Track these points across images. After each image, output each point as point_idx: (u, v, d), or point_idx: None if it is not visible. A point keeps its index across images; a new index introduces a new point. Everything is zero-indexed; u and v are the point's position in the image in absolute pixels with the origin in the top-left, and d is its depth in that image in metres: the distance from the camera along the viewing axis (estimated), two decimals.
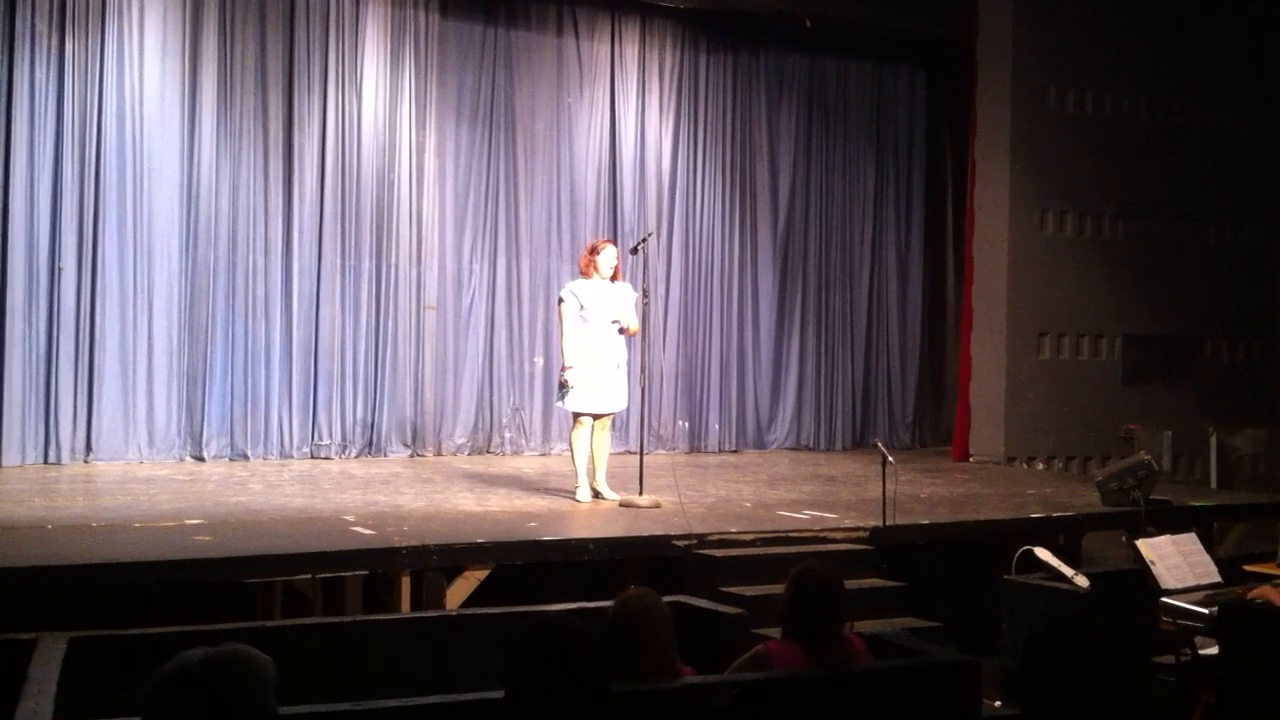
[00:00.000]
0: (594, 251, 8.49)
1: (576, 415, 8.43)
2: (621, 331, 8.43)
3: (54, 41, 9.93)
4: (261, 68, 10.75)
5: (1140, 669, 5.83)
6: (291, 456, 10.71)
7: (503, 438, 11.72)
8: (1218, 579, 6.47)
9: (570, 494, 8.56)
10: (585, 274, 8.48)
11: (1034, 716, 2.90)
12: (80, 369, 10.00)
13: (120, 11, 10.18)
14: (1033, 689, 2.90)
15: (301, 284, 10.87)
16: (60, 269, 9.94)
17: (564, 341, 8.42)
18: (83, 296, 10.03)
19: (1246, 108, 13.59)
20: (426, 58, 11.44)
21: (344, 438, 10.97)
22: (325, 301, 10.95)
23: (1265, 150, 13.65)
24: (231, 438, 10.57)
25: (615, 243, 8.98)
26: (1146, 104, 13.08)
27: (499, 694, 2.83)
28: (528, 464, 11.01)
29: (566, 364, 8.34)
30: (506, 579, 6.84)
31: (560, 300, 8.51)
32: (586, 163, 12.20)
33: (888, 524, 7.35)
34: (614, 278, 8.47)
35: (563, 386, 8.37)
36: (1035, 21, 12.48)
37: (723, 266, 12.84)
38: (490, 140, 11.76)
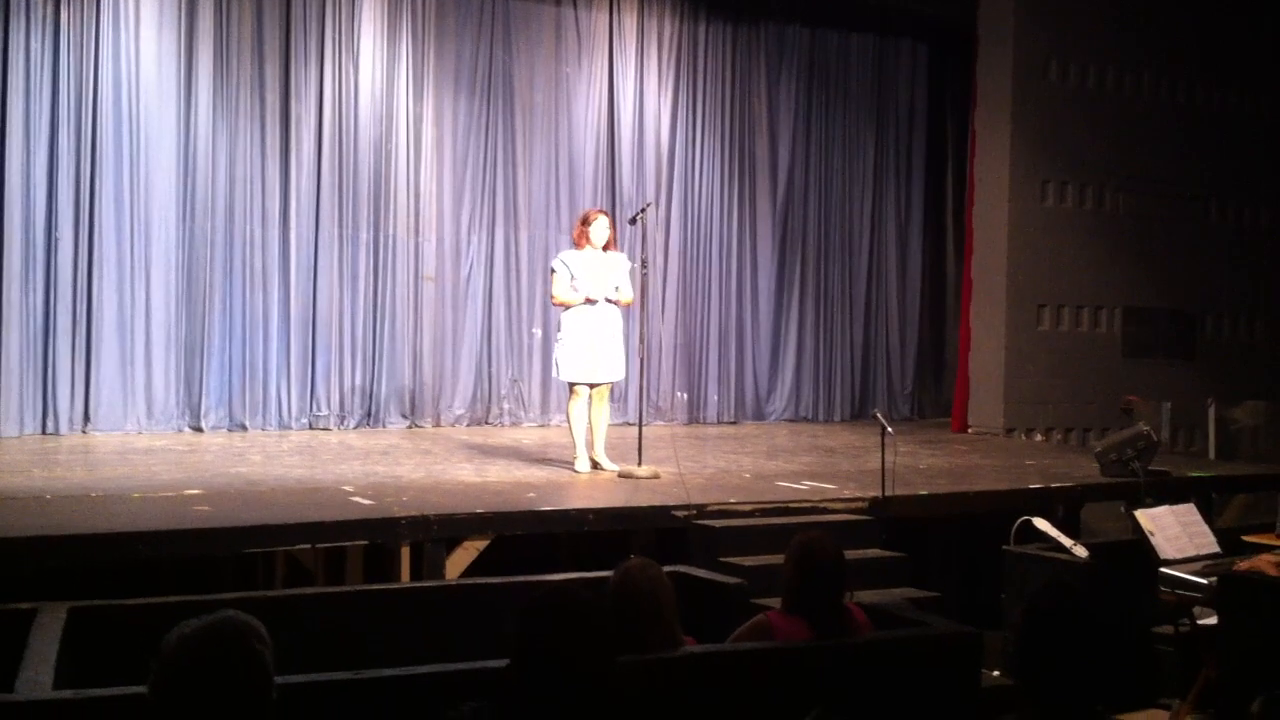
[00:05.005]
0: (586, 222, 8.45)
1: (572, 386, 8.42)
2: (614, 302, 8.41)
3: (49, 11, 9.87)
4: (258, 37, 10.68)
5: (1141, 640, 5.85)
6: (290, 427, 10.70)
7: (501, 409, 11.72)
8: (1216, 549, 6.48)
9: (569, 465, 8.56)
10: (578, 244, 8.45)
11: (1031, 688, 2.91)
12: (78, 340, 9.98)
13: None
14: (1030, 662, 2.90)
15: (299, 255, 10.84)
16: (57, 239, 9.90)
17: (555, 301, 8.41)
18: (80, 267, 10.00)
19: (1251, 84, 13.55)
20: (424, 27, 11.38)
21: (342, 409, 10.97)
22: (323, 272, 10.92)
23: (1269, 128, 13.60)
24: (230, 409, 10.57)
25: (608, 213, 8.93)
26: (1150, 78, 13.04)
27: (499, 663, 2.82)
28: (526, 435, 11.01)
29: (570, 301, 8.31)
30: (506, 549, 6.85)
31: (552, 270, 8.49)
32: (585, 133, 12.15)
33: (887, 495, 7.36)
34: (607, 248, 8.45)
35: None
36: None
37: (722, 238, 12.81)
38: (488, 110, 11.71)
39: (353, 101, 11.05)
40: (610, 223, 8.53)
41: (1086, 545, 6.52)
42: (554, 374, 8.69)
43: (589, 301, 8.28)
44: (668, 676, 3.84)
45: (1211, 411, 12.26)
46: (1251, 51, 13.47)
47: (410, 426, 11.19)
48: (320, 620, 4.74)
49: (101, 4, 10.06)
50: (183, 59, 10.39)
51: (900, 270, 13.80)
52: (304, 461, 8.82)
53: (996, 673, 5.81)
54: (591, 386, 8.40)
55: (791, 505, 7.48)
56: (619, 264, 8.48)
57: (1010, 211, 12.35)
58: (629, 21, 12.36)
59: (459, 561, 6.72)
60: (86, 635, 4.32)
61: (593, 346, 8.30)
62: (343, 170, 11.01)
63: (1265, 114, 13.65)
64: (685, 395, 12.58)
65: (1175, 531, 6.48)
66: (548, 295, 8.96)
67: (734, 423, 12.71)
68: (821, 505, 7.55)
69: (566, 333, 8.36)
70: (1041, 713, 2.85)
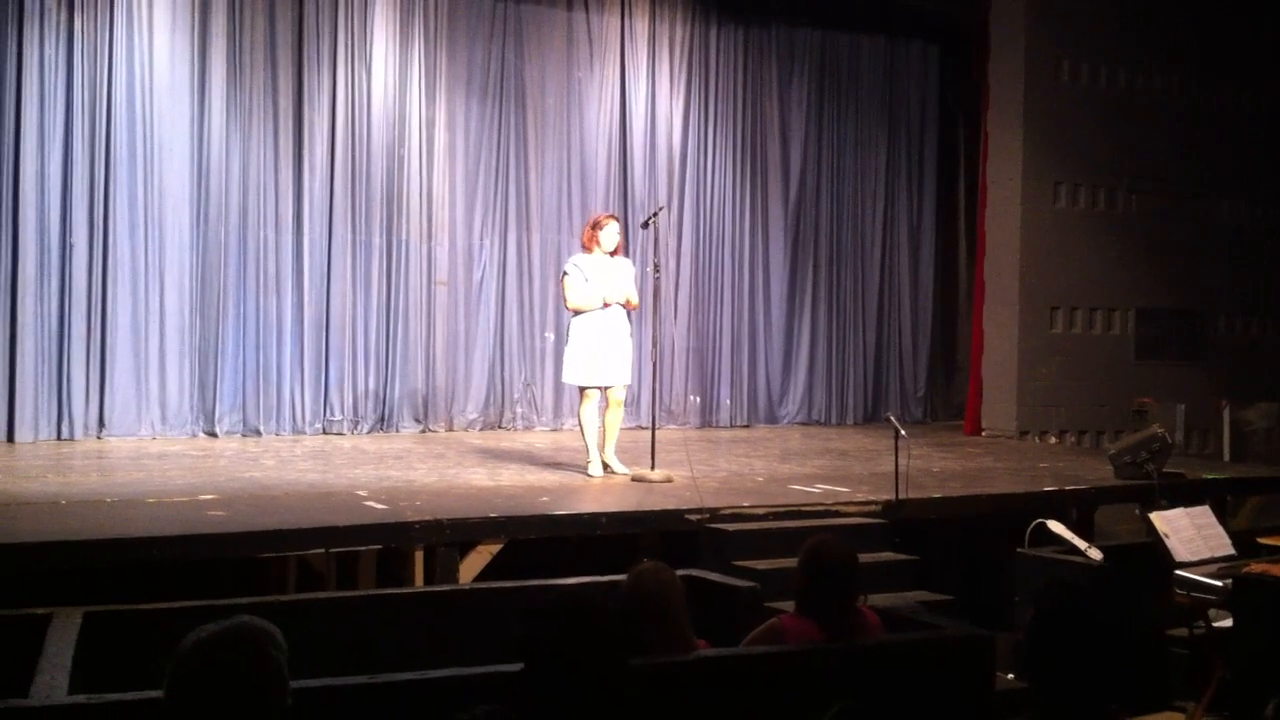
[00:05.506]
0: (596, 226, 8.49)
1: (583, 389, 8.44)
2: (623, 305, 8.43)
3: (63, 18, 9.90)
4: (271, 42, 10.71)
5: (1156, 642, 5.83)
6: (304, 432, 10.72)
7: (514, 413, 11.73)
8: (1231, 551, 6.45)
9: (582, 469, 8.57)
10: (587, 248, 8.48)
11: (1042, 689, 2.91)
12: (92, 345, 10.02)
13: None
14: (1039, 663, 2.91)
15: (312, 259, 10.87)
16: (71, 246, 9.94)
17: (571, 305, 8.42)
18: (94, 273, 10.03)
19: (1263, 83, 13.49)
20: (436, 32, 11.40)
21: (356, 413, 10.99)
22: (336, 277, 10.94)
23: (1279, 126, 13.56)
24: (244, 413, 10.59)
25: (619, 218, 8.96)
26: (1161, 78, 13.00)
27: (514, 667, 2.83)
28: (539, 439, 11.02)
29: (587, 306, 8.32)
30: (519, 553, 6.85)
31: (565, 274, 8.52)
32: (597, 137, 12.16)
33: (900, 498, 7.35)
34: (614, 253, 8.48)
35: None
36: None
37: (734, 241, 12.80)
38: (500, 115, 11.72)
39: (365, 106, 11.07)
40: (620, 229, 8.57)
41: (1101, 548, 6.50)
42: (563, 377, 8.71)
43: (605, 306, 8.32)
44: (680, 679, 3.84)
45: (1226, 413, 12.21)
46: (1263, 50, 13.41)
47: (423, 431, 11.21)
48: (334, 625, 4.75)
49: (115, 10, 10.10)
50: (196, 64, 10.43)
51: (912, 272, 13.79)
52: (317, 466, 8.84)
53: (1011, 675, 5.79)
54: (602, 390, 8.42)
55: (804, 509, 7.47)
56: (625, 269, 8.52)
57: (1022, 213, 12.32)
58: (640, 26, 12.37)
59: (472, 565, 6.73)
60: (101, 640, 4.33)
61: (600, 349, 8.32)
62: (355, 175, 11.03)
63: (1274, 111, 13.57)
64: (697, 398, 12.58)
65: (1190, 534, 6.46)
66: (560, 299, 8.97)
67: (746, 426, 12.70)
68: (834, 508, 7.54)
69: (575, 336, 8.39)
70: (1048, 713, 2.85)
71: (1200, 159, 13.12)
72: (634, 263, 8.85)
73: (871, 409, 13.41)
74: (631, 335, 8.57)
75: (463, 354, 11.55)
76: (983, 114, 12.85)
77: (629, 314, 8.55)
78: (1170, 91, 13.07)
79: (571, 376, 8.48)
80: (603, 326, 8.34)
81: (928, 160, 13.92)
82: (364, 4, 11.06)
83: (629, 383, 8.77)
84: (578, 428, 8.87)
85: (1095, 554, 6.34)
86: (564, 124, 12.02)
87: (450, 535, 6.59)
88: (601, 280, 8.34)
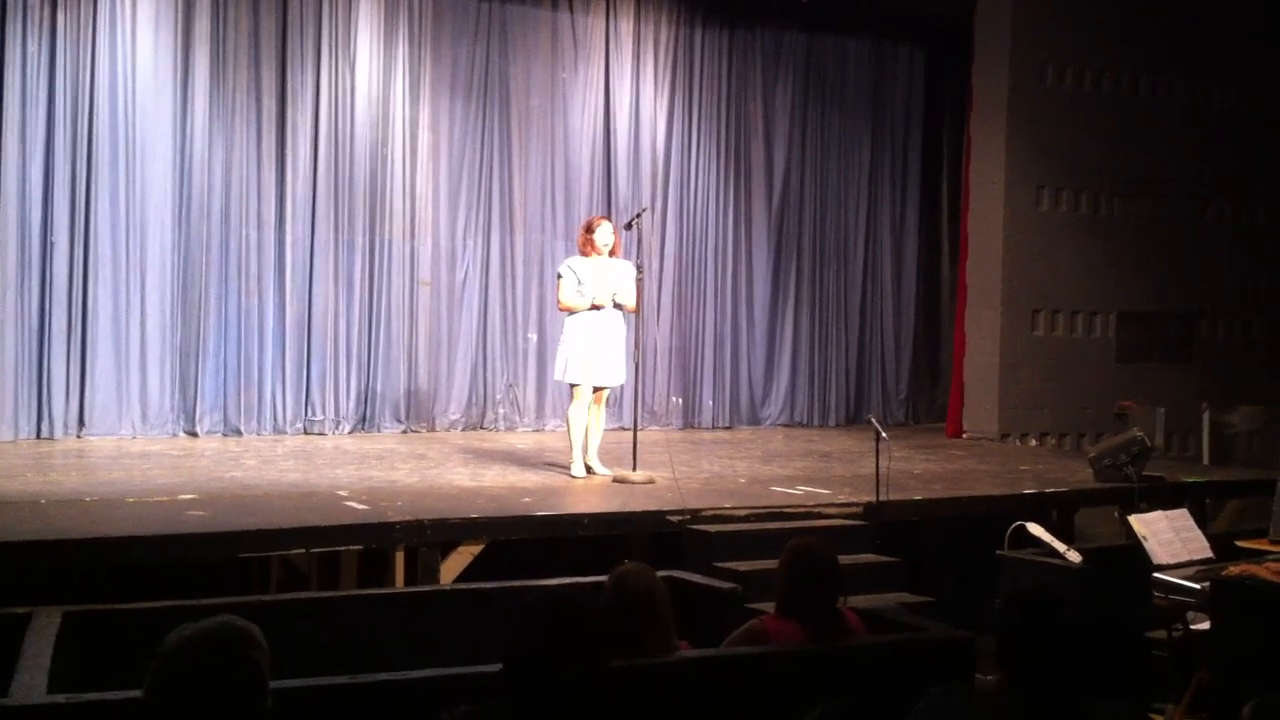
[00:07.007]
0: (589, 229, 8.49)
1: (574, 388, 8.43)
2: (620, 307, 8.43)
3: (45, 14, 9.86)
4: (254, 41, 10.68)
5: (1135, 644, 5.85)
6: (285, 432, 10.69)
7: (496, 414, 11.71)
8: (1210, 554, 6.49)
9: (564, 469, 8.57)
10: (584, 252, 8.48)
11: (1013, 685, 2.95)
12: (73, 344, 9.97)
13: None
14: (1009, 659, 2.95)
15: (295, 259, 10.83)
16: (52, 244, 9.89)
17: (561, 306, 8.43)
18: (75, 271, 9.99)
19: (1247, 84, 13.54)
20: (420, 32, 11.37)
21: (338, 413, 10.96)
22: (319, 276, 10.91)
23: (1266, 127, 13.60)
24: (225, 413, 10.55)
25: (610, 218, 8.95)
26: (1147, 80, 13.04)
27: (493, 667, 2.83)
28: (521, 440, 11.01)
29: (576, 307, 8.32)
30: (500, 554, 6.85)
31: (559, 276, 8.52)
32: (581, 138, 12.15)
33: (881, 500, 7.36)
34: (612, 253, 8.47)
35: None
36: None
37: (717, 243, 12.81)
38: (484, 115, 11.71)
39: (349, 106, 11.04)
40: (614, 228, 8.56)
41: (1080, 550, 6.53)
42: (557, 376, 8.70)
43: (595, 307, 8.31)
44: (663, 680, 3.85)
45: (1205, 416, 12.26)
46: (1249, 50, 13.45)
47: (405, 431, 11.18)
48: (315, 625, 4.74)
49: (98, 7, 10.06)
50: (179, 63, 10.39)
51: (895, 275, 13.81)
52: (299, 466, 8.82)
53: (991, 676, 5.81)
54: (594, 389, 8.41)
55: (786, 510, 7.49)
56: (624, 270, 8.50)
57: (1005, 216, 12.36)
58: (625, 27, 12.37)
59: (453, 566, 6.72)
60: (81, 639, 4.32)
61: (595, 349, 8.32)
62: (338, 174, 11.00)
63: (1263, 113, 13.63)
64: (680, 400, 12.58)
65: (1169, 536, 6.49)
66: (554, 300, 8.95)
67: (729, 427, 12.71)
68: (816, 510, 7.56)
69: (570, 335, 8.37)
70: (1023, 708, 2.88)
71: (1183, 162, 13.16)
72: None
73: (854, 411, 13.43)
74: (626, 338, 8.55)
75: (445, 354, 11.53)
76: (967, 116, 12.90)
77: (626, 316, 8.54)
78: (1155, 92, 13.11)
79: (564, 374, 8.46)
80: (597, 326, 8.34)
81: (911, 163, 13.94)
82: (348, 3, 11.03)
83: (623, 383, 8.78)
84: (563, 427, 8.87)
85: (1074, 556, 6.37)
86: (548, 125, 12.00)
87: (431, 536, 6.59)
88: (595, 282, 8.34)
